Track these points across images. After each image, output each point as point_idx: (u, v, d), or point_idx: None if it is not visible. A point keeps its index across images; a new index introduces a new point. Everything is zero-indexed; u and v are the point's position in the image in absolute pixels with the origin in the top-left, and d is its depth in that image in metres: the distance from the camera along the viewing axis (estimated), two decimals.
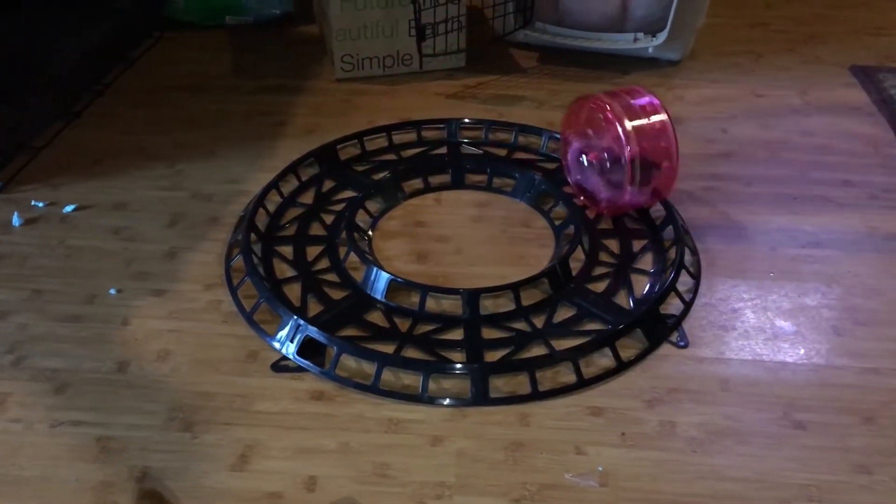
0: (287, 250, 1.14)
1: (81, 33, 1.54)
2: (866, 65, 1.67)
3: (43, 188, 1.26)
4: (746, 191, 1.28)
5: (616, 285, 1.08)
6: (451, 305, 1.04)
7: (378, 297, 1.05)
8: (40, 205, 1.22)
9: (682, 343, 0.99)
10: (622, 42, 1.62)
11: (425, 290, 1.04)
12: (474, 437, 0.87)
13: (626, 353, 0.97)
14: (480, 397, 0.92)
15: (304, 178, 1.28)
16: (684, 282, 1.08)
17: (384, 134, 1.39)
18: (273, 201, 1.22)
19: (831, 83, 1.61)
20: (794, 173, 1.32)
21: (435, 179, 1.30)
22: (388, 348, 0.97)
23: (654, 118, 1.09)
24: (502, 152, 1.36)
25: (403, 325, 1.01)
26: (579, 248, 1.12)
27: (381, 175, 1.28)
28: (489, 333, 1.00)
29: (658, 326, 1.01)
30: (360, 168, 1.32)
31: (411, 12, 1.51)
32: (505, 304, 1.04)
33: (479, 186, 1.29)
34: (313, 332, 0.96)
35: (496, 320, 1.02)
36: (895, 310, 1.05)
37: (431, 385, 0.92)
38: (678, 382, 0.94)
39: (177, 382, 0.93)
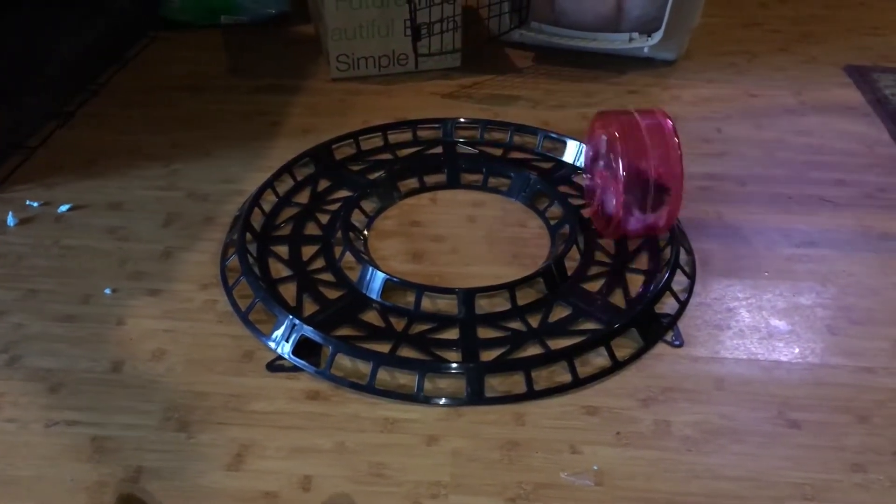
0: (282, 250, 1.14)
1: (77, 33, 1.54)
2: (861, 65, 1.67)
3: (37, 188, 1.26)
4: (741, 190, 1.28)
5: (611, 285, 1.08)
6: (447, 305, 1.04)
7: (373, 296, 1.05)
8: (35, 204, 1.22)
9: (677, 342, 0.99)
10: (618, 42, 1.62)
11: (421, 289, 1.04)
12: (470, 436, 0.87)
13: (622, 353, 0.97)
14: (476, 397, 0.92)
15: (299, 178, 1.28)
16: (679, 281, 1.08)
17: (380, 133, 1.39)
18: (268, 201, 1.22)
19: (826, 83, 1.61)
20: (789, 173, 1.32)
21: (430, 179, 1.30)
22: (384, 348, 0.97)
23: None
24: (498, 152, 1.36)
25: (399, 324, 1.01)
26: (574, 247, 1.12)
27: (376, 174, 1.28)
28: (485, 333, 1.00)
29: (653, 326, 1.01)
30: (355, 168, 1.32)
31: (407, 12, 1.51)
32: (500, 304, 1.04)
33: (474, 186, 1.29)
34: (308, 331, 0.96)
35: (492, 320, 1.02)
36: (890, 309, 1.05)
37: (427, 384, 0.92)
38: (673, 382, 0.94)
39: (172, 382, 0.93)
